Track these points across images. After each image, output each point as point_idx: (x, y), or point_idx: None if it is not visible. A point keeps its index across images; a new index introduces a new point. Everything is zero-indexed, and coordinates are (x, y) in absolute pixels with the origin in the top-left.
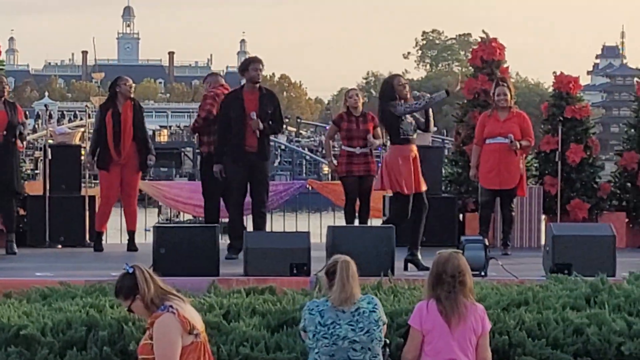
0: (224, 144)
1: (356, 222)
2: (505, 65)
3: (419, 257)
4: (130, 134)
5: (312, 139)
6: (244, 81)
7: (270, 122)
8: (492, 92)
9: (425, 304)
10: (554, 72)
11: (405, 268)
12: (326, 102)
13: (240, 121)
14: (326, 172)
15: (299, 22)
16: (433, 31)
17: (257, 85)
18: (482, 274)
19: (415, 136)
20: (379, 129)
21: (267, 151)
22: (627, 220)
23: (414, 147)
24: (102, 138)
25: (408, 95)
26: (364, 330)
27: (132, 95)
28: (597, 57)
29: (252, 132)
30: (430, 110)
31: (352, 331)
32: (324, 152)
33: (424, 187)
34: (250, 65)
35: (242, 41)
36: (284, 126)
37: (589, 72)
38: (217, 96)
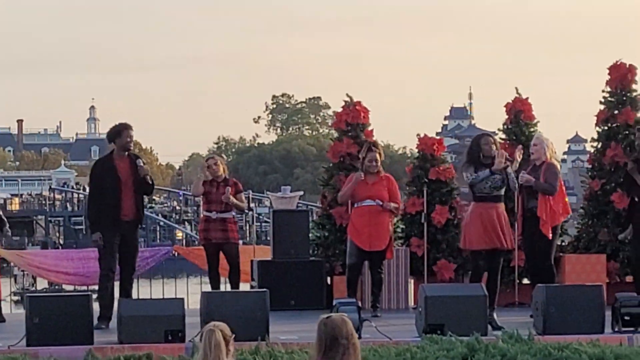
0: (100, 212)
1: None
2: (369, 128)
3: (494, 316)
4: None
5: (165, 204)
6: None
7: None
8: (363, 157)
9: None
10: (418, 134)
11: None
12: (177, 167)
13: (116, 189)
14: (180, 237)
15: (147, 88)
16: (283, 95)
17: (127, 152)
18: (357, 336)
19: (496, 193)
20: (242, 195)
21: (142, 218)
22: None
23: (493, 205)
24: None
25: (496, 154)
26: None
27: None
28: (445, 118)
29: (128, 200)
30: (511, 172)
31: None
32: (177, 217)
33: (501, 244)
34: (123, 132)
35: (92, 107)
36: None
37: (438, 134)
38: None
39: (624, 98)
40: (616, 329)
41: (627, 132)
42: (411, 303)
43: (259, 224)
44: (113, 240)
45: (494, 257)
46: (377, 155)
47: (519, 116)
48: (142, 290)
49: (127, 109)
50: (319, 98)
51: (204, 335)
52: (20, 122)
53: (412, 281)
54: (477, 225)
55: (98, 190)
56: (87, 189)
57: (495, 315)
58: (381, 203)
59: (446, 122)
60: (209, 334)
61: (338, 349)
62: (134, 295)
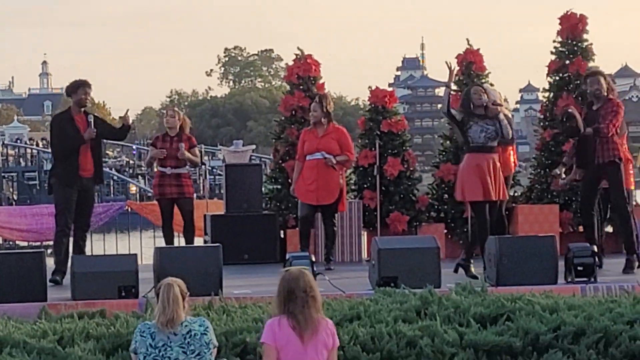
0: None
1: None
2: (321, 81)
3: (472, 267)
4: None
5: (119, 159)
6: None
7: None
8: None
9: (277, 320)
10: (370, 87)
11: (456, 271)
12: (130, 121)
13: (76, 144)
14: (134, 192)
15: (100, 42)
16: (235, 48)
17: (83, 109)
18: None
19: (492, 144)
20: (196, 149)
21: (101, 174)
22: (445, 231)
23: (489, 156)
24: None
25: (485, 103)
26: (195, 352)
27: None
28: (398, 69)
29: (86, 156)
30: (504, 119)
31: (184, 353)
32: (131, 171)
33: (497, 197)
34: (80, 88)
35: (44, 63)
36: None
37: (390, 85)
38: None
39: (575, 48)
40: (569, 280)
41: (578, 82)
42: (364, 256)
43: (212, 177)
44: (71, 197)
45: (493, 208)
46: (318, 106)
47: (470, 67)
48: (96, 245)
49: (79, 63)
50: (271, 50)
51: (162, 289)
52: None
53: (365, 234)
54: (473, 176)
55: (63, 142)
56: (50, 144)
57: (472, 267)
58: (325, 157)
59: (399, 73)
60: (167, 288)
61: (296, 302)
62: (87, 251)
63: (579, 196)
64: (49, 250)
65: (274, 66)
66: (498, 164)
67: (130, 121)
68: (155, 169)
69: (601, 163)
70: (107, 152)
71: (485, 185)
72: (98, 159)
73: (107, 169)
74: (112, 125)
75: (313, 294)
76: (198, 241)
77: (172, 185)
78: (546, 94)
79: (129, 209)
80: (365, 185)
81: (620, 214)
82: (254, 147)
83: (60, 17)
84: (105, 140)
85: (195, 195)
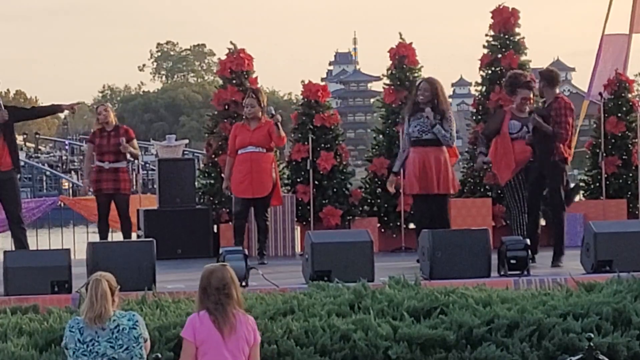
0: None
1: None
2: (254, 76)
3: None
4: None
5: (52, 154)
6: None
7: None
8: (244, 103)
9: (197, 315)
10: (302, 81)
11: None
12: (63, 116)
13: None
14: (66, 187)
15: (31, 37)
16: (167, 42)
17: None
18: (244, 284)
19: (427, 137)
20: (134, 142)
21: (18, 164)
22: (378, 225)
23: (428, 149)
24: None
25: (420, 100)
26: (123, 347)
27: None
28: (330, 63)
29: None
30: (430, 112)
31: (112, 348)
32: (64, 167)
33: (433, 189)
34: None
35: None
36: (24, 142)
37: (323, 79)
38: None
39: (507, 42)
40: (502, 273)
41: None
42: (298, 250)
43: (145, 172)
44: None
45: (433, 202)
46: (255, 101)
47: (403, 61)
48: (29, 240)
49: (10, 58)
50: (204, 45)
51: (90, 284)
52: None
53: (299, 228)
54: (412, 170)
55: None
56: None
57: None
58: (272, 113)
59: (331, 68)
60: (95, 284)
61: (210, 298)
62: None
63: (527, 199)
64: None
65: (206, 61)
66: (442, 157)
67: (69, 108)
68: (94, 164)
69: (545, 164)
70: (40, 147)
71: (423, 179)
72: (13, 150)
73: (39, 165)
74: (24, 107)
75: (227, 291)
76: (132, 236)
77: (109, 180)
78: (478, 88)
79: (62, 204)
80: (298, 180)
81: (555, 211)
82: (186, 141)
83: None
84: (38, 136)
85: None
